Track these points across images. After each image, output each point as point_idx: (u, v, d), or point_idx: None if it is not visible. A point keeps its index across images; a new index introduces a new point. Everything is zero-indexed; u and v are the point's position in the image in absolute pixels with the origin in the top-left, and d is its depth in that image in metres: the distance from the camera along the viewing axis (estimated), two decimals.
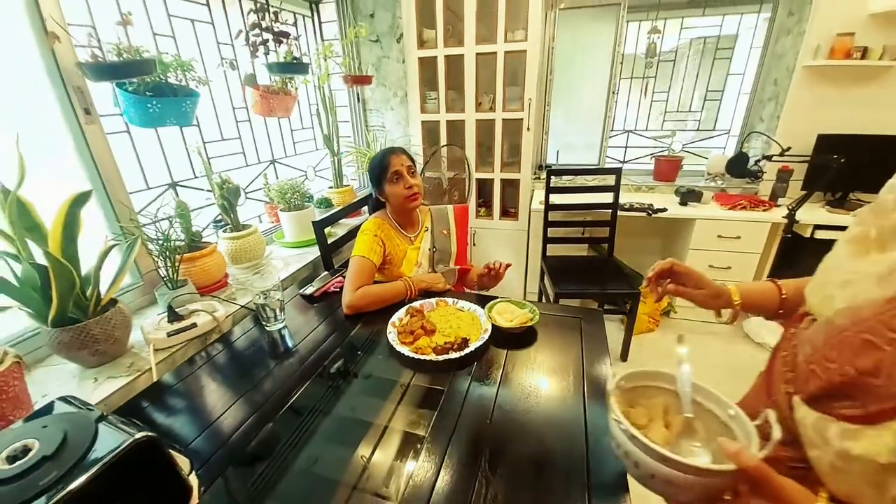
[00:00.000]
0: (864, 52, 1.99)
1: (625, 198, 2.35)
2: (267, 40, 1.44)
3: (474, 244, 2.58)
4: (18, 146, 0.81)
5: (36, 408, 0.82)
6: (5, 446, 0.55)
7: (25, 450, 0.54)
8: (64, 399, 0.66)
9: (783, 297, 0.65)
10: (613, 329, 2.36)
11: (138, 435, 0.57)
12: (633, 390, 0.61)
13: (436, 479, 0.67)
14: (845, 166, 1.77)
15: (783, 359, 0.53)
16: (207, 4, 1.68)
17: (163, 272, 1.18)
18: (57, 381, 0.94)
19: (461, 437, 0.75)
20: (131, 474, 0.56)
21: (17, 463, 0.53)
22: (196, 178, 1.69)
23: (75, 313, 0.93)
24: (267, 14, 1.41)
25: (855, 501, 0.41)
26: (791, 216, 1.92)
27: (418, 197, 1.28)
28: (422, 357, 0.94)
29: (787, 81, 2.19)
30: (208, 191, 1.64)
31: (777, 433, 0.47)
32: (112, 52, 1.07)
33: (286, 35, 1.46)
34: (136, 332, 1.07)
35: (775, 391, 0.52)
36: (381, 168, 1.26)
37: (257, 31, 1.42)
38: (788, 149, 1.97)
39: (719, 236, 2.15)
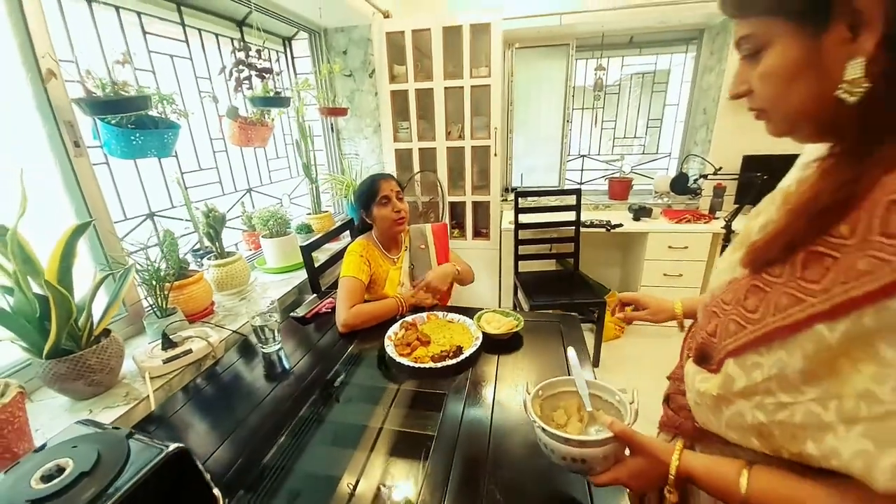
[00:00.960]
0: None
1: (585, 215, 2.56)
2: (250, 76, 1.51)
3: None
4: (22, 180, 0.83)
5: (36, 439, 0.80)
6: (37, 468, 0.56)
7: (60, 469, 0.56)
8: (82, 422, 0.68)
9: None
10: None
11: (171, 447, 0.60)
12: (554, 396, 0.72)
13: (449, 473, 0.73)
14: (767, 182, 2.06)
15: (692, 332, 0.66)
16: (186, 41, 1.73)
17: (151, 301, 1.18)
18: (49, 414, 0.92)
19: (467, 433, 0.82)
20: (166, 484, 0.59)
21: (54, 481, 0.54)
22: (174, 207, 1.69)
23: (68, 344, 0.93)
24: (248, 52, 1.49)
25: (708, 427, 0.54)
26: (728, 227, 2.18)
27: (404, 221, 1.37)
28: (421, 365, 1.01)
29: (714, 111, 2.52)
30: (187, 220, 1.65)
31: (635, 404, 0.63)
32: (97, 87, 1.10)
33: (269, 71, 1.53)
34: (126, 362, 1.06)
35: (683, 356, 0.66)
36: (371, 192, 1.34)
37: (241, 67, 1.48)
38: (720, 169, 2.25)
39: (670, 247, 2.38)
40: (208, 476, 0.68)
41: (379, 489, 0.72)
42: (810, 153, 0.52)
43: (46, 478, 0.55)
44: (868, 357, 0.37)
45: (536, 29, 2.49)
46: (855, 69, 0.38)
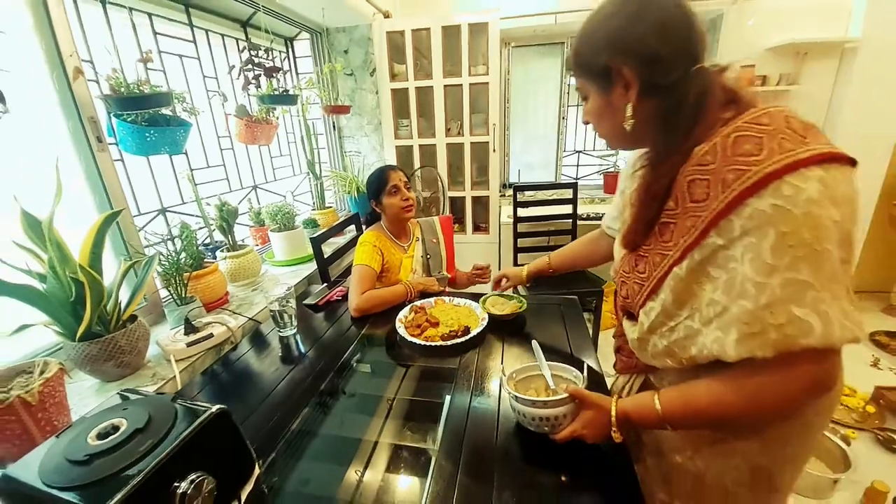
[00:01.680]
0: (764, 80, 2.44)
1: (581, 209, 2.63)
2: (259, 75, 1.56)
3: None
4: (58, 170, 0.88)
5: (74, 416, 0.85)
6: (91, 427, 0.61)
7: (115, 427, 0.61)
8: (124, 392, 0.73)
9: (550, 268, 1.23)
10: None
11: (215, 407, 0.66)
12: (526, 379, 0.84)
13: (464, 433, 0.79)
14: None
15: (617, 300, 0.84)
16: (194, 42, 1.78)
17: (170, 290, 1.23)
18: (78, 396, 0.97)
19: (479, 398, 0.88)
20: (209, 443, 0.64)
21: (110, 438, 0.60)
22: (184, 203, 1.74)
23: (98, 329, 0.98)
24: (258, 52, 1.54)
25: (646, 361, 0.71)
26: None
27: (412, 208, 1.43)
28: (432, 344, 1.07)
29: None
30: (197, 216, 1.70)
31: (584, 374, 0.78)
32: (118, 85, 1.15)
33: (277, 70, 1.59)
34: (150, 348, 1.11)
35: (618, 317, 0.80)
36: (381, 182, 1.41)
37: (250, 66, 1.54)
38: None
39: None
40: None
41: (396, 449, 0.78)
42: (632, 165, 0.78)
43: (102, 435, 0.60)
44: (705, 278, 0.57)
45: (532, 28, 2.56)
46: (627, 111, 0.62)
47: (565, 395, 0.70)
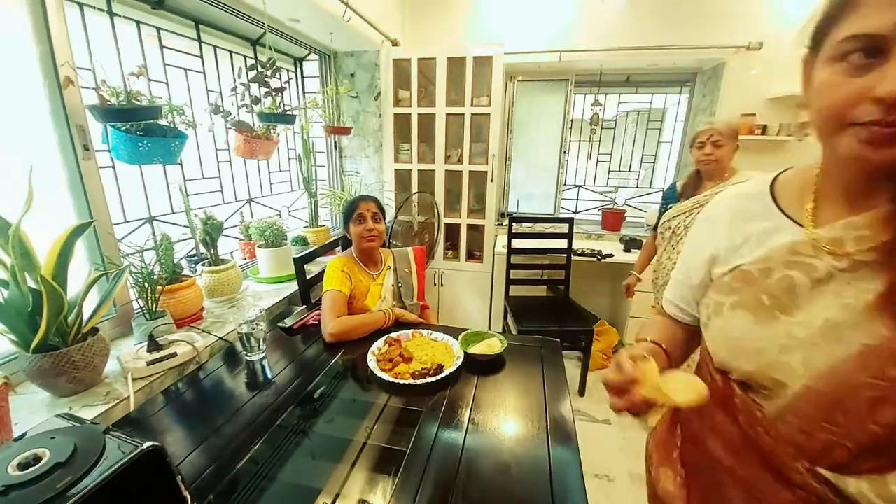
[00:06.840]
0: (764, 129, 2.45)
1: (577, 244, 2.61)
2: (266, 93, 1.58)
3: (441, 284, 2.71)
4: (30, 178, 0.86)
5: (15, 432, 0.81)
6: (14, 456, 0.58)
7: (37, 458, 0.57)
8: (62, 416, 0.69)
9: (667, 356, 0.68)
10: (571, 366, 2.51)
11: (146, 444, 0.62)
12: None
13: (418, 490, 0.74)
14: None
15: (759, 433, 0.52)
16: (201, 57, 1.81)
17: (141, 303, 1.20)
18: (28, 409, 0.93)
19: (439, 451, 0.83)
20: (138, 482, 0.60)
21: (30, 469, 0.56)
22: (174, 213, 1.73)
23: (55, 340, 0.94)
24: (266, 74, 1.56)
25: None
26: None
27: (374, 239, 1.44)
28: (401, 381, 1.02)
29: None
30: (185, 226, 1.68)
31: None
32: (111, 95, 1.15)
33: (282, 90, 1.61)
34: (111, 363, 1.07)
35: (780, 466, 0.51)
36: (350, 209, 1.44)
37: (254, 83, 1.55)
38: None
39: None
40: (180, 478, 0.69)
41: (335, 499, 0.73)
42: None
43: (23, 465, 0.56)
44: None
45: (537, 64, 2.61)
46: None
47: None
